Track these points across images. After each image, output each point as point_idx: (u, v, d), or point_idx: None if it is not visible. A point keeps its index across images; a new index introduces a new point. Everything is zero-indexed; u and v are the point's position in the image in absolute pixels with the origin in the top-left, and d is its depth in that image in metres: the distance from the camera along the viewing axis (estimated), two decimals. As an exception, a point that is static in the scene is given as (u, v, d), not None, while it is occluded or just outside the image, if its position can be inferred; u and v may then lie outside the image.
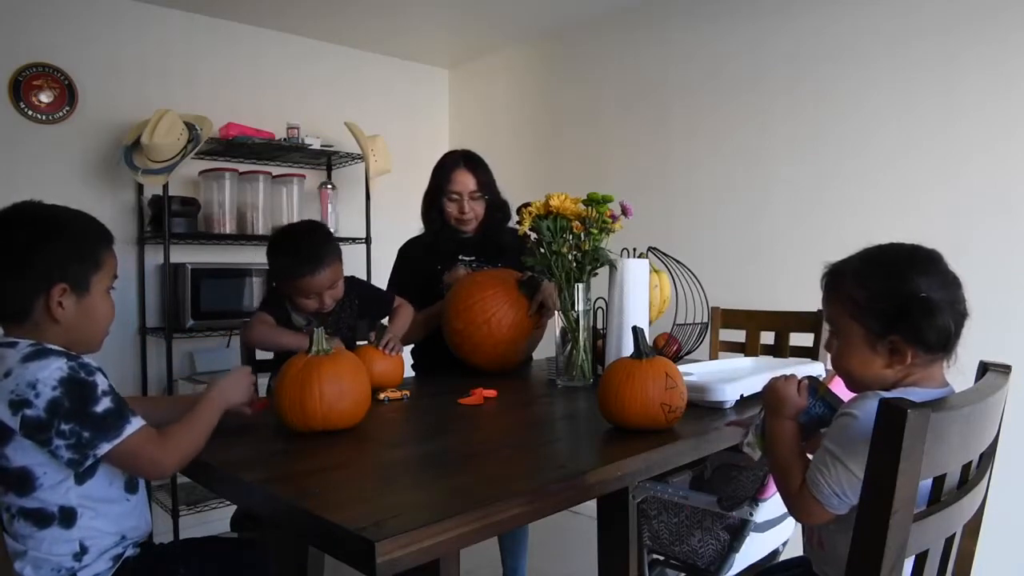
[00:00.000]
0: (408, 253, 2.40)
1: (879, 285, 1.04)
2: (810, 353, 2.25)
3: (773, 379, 1.15)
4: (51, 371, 1.11)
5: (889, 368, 1.05)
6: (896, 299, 1.02)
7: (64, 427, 1.10)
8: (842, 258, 1.12)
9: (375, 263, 3.48)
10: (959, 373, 1.08)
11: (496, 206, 2.32)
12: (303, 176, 3.42)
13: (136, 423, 1.15)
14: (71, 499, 1.17)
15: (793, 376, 1.15)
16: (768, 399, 1.14)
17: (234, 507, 2.17)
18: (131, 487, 1.26)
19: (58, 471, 1.15)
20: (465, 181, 2.25)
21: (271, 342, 1.94)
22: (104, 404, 1.13)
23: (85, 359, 1.17)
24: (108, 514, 1.21)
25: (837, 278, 1.11)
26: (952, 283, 1.04)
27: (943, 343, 1.02)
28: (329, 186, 3.51)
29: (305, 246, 1.87)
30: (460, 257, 2.32)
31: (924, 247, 1.07)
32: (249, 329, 1.94)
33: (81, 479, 1.17)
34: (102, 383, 1.15)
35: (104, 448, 1.12)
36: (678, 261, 2.02)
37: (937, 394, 1.00)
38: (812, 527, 1.12)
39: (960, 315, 1.03)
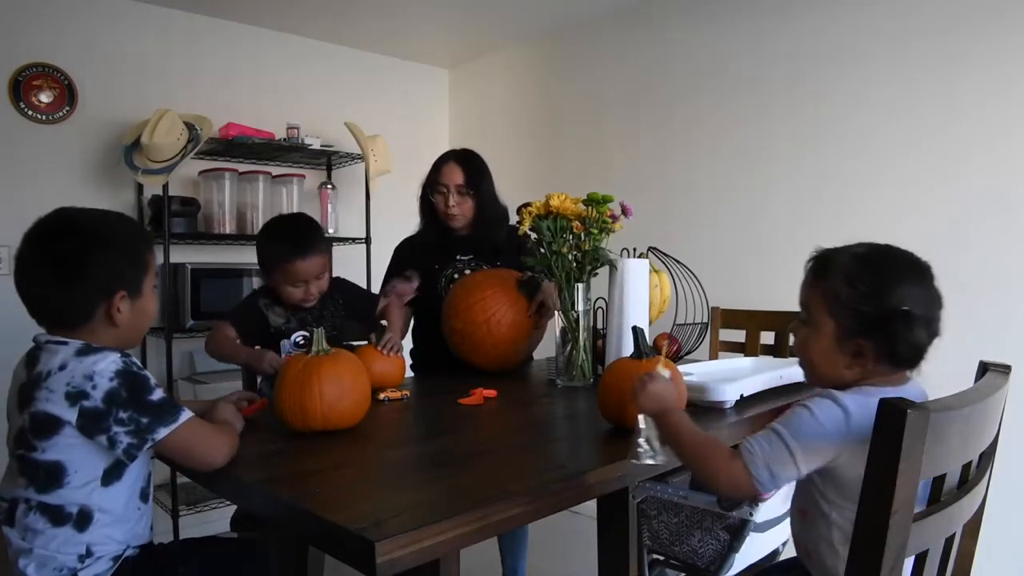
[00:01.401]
0: (402, 253, 2.40)
1: (866, 288, 1.02)
2: (810, 353, 2.24)
3: (635, 388, 1.12)
4: (107, 364, 1.14)
5: (848, 369, 1.05)
6: (879, 306, 1.01)
7: (122, 415, 1.13)
8: (834, 247, 1.11)
9: (375, 263, 3.48)
10: (960, 373, 1.08)
11: (489, 205, 2.32)
12: (303, 176, 3.42)
13: (188, 413, 1.19)
14: (92, 501, 1.18)
15: (645, 372, 1.14)
16: (648, 405, 1.11)
17: (234, 507, 2.17)
18: (144, 496, 1.28)
19: (92, 469, 1.17)
20: (452, 174, 2.26)
21: (226, 356, 1.97)
22: (158, 394, 1.17)
23: (133, 356, 1.20)
24: (121, 521, 1.22)
25: (825, 267, 1.09)
26: (935, 302, 1.04)
27: (911, 359, 1.03)
28: (329, 186, 3.51)
29: (297, 232, 1.94)
30: (458, 257, 2.32)
31: (919, 258, 1.06)
32: (209, 338, 1.97)
33: (108, 480, 1.19)
34: (151, 377, 1.19)
35: (162, 433, 1.15)
36: (678, 261, 2.02)
37: (898, 392, 0.97)
38: (801, 540, 1.13)
39: (933, 334, 1.03)
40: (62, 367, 1.15)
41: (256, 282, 3.13)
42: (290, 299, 1.95)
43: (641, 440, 1.12)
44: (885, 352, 1.02)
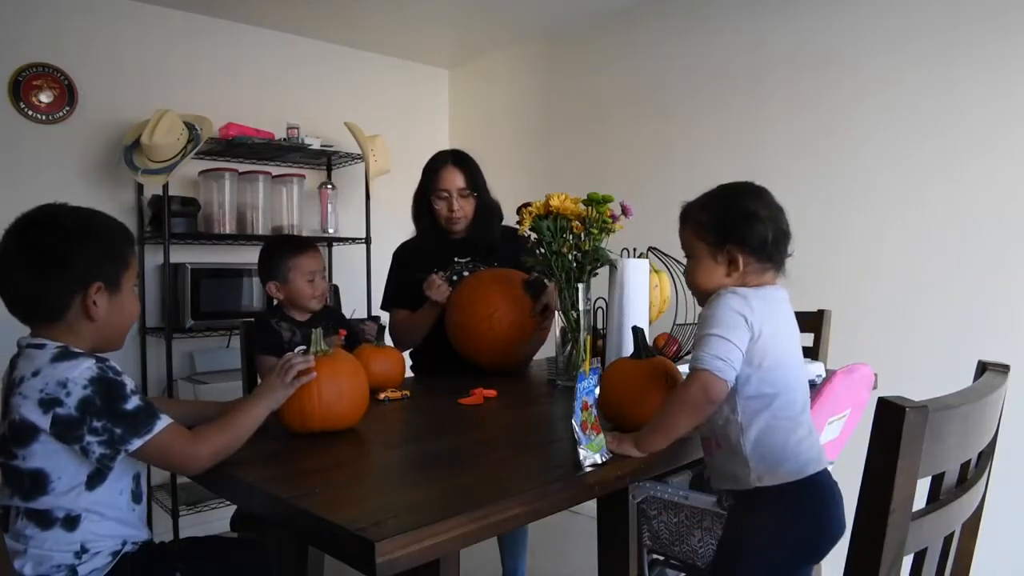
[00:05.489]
0: (401, 257, 2.39)
1: (717, 207, 1.30)
2: (810, 353, 2.24)
3: (620, 451, 1.23)
4: (81, 371, 1.13)
5: (728, 276, 1.27)
6: (728, 214, 1.28)
7: (96, 424, 1.12)
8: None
9: (375, 263, 3.47)
10: (960, 373, 1.08)
11: (486, 206, 2.31)
12: (303, 176, 3.42)
13: (165, 420, 1.17)
14: (79, 504, 1.18)
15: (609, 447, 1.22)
16: (631, 450, 1.23)
17: (234, 507, 2.17)
18: (136, 497, 1.27)
19: (74, 474, 1.16)
20: (453, 179, 2.24)
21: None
22: (134, 402, 1.15)
23: (111, 361, 1.19)
24: (112, 520, 1.22)
25: (687, 211, 1.35)
26: (774, 206, 1.31)
27: (764, 246, 1.26)
28: (329, 186, 3.52)
29: (293, 236, 2.16)
30: (456, 259, 2.31)
31: (755, 183, 1.33)
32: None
33: (92, 484, 1.18)
34: (129, 383, 1.17)
35: (135, 444, 1.14)
36: (678, 261, 2.02)
37: (767, 291, 1.27)
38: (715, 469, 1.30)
39: (781, 231, 1.29)
40: (35, 373, 1.13)
41: (256, 282, 3.13)
42: (302, 296, 2.00)
43: (580, 449, 1.15)
44: (744, 245, 1.25)
